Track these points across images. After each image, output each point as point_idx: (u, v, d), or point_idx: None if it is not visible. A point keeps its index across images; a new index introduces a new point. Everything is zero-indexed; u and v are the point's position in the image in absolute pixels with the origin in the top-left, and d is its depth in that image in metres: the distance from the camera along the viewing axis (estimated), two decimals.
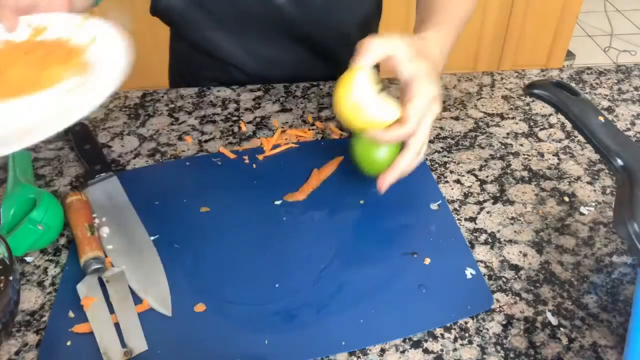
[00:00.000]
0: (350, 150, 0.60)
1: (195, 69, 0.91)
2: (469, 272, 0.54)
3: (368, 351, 0.48)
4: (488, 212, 0.61)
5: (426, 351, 0.48)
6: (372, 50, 0.51)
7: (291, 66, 0.86)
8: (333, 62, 0.86)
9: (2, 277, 0.46)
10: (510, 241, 0.58)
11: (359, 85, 0.46)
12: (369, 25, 0.88)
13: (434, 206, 0.61)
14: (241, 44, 0.83)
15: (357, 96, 0.46)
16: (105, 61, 0.55)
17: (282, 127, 0.74)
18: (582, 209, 0.61)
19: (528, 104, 0.79)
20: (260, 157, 0.69)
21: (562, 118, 0.74)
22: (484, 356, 0.47)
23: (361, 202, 0.62)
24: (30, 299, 0.53)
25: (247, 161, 0.68)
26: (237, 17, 0.80)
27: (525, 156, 0.69)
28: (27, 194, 0.59)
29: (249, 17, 0.80)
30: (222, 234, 0.59)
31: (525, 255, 0.56)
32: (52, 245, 0.58)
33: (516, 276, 0.54)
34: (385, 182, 0.56)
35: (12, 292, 0.45)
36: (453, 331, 0.49)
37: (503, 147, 0.71)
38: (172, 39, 0.95)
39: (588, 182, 0.65)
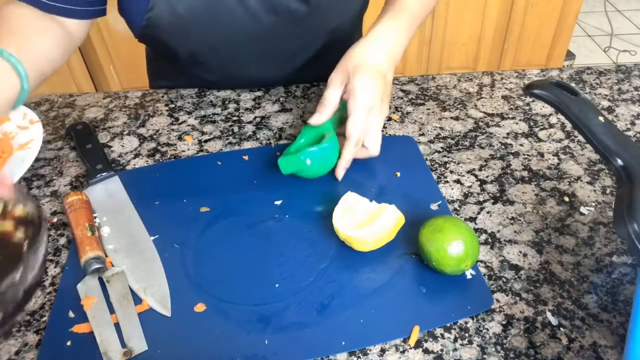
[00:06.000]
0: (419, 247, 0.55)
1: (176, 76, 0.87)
2: (469, 272, 0.54)
3: (368, 351, 0.48)
4: (488, 212, 0.61)
5: (426, 351, 0.48)
6: (329, 107, 0.65)
7: (282, 80, 0.85)
8: (323, 63, 0.84)
9: (31, 235, 0.41)
10: (510, 241, 0.58)
11: (336, 217, 0.56)
12: (360, 20, 0.87)
13: (434, 206, 0.61)
14: (227, 68, 0.81)
15: (336, 225, 0.56)
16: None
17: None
18: (582, 209, 0.61)
19: (528, 104, 0.79)
20: None
21: (562, 118, 0.74)
22: (484, 356, 0.47)
23: None
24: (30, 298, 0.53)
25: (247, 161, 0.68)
26: (226, 43, 0.76)
27: (525, 156, 0.69)
28: (321, 129, 0.66)
29: (238, 41, 0.76)
30: (222, 234, 0.59)
31: (525, 255, 0.56)
32: (52, 245, 0.58)
33: (516, 276, 0.54)
34: (340, 173, 0.65)
35: (44, 251, 0.41)
36: (453, 331, 0.49)
37: (503, 147, 0.71)
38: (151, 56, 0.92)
39: (588, 182, 0.65)
